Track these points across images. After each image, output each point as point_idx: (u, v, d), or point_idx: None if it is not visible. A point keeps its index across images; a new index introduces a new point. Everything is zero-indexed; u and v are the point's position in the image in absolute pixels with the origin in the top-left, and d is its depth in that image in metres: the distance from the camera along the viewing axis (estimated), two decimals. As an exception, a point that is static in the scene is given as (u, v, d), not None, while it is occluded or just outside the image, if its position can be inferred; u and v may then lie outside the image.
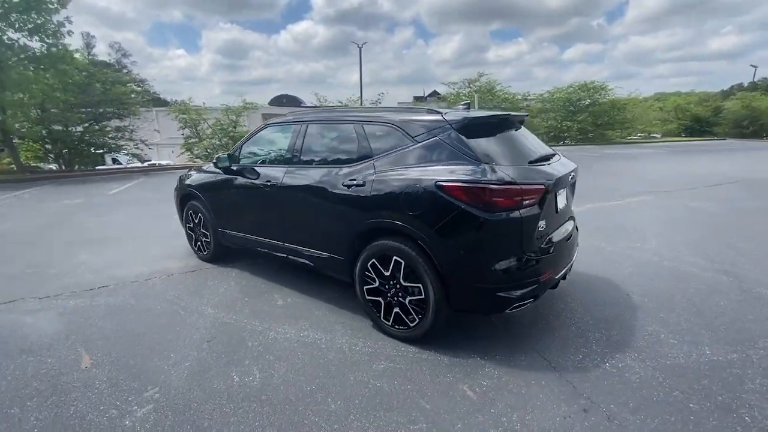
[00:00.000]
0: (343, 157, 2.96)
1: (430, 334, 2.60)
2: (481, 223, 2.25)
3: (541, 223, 2.41)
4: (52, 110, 16.25)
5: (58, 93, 15.21)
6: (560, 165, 2.84)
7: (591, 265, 4.10)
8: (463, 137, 2.46)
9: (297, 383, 2.29)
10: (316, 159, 3.16)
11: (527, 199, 2.30)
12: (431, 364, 2.44)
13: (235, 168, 3.78)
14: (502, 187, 2.24)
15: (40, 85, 14.20)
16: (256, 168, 3.57)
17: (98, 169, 17.90)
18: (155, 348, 2.71)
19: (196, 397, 2.19)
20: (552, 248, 2.55)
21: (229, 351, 2.65)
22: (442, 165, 2.42)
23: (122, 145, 19.62)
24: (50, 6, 14.27)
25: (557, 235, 2.67)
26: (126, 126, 18.94)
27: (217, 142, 18.95)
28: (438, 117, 2.60)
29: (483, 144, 2.49)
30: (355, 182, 2.73)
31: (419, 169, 2.49)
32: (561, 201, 2.73)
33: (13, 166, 16.06)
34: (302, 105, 28.01)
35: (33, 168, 17.23)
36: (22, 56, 14.27)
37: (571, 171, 2.91)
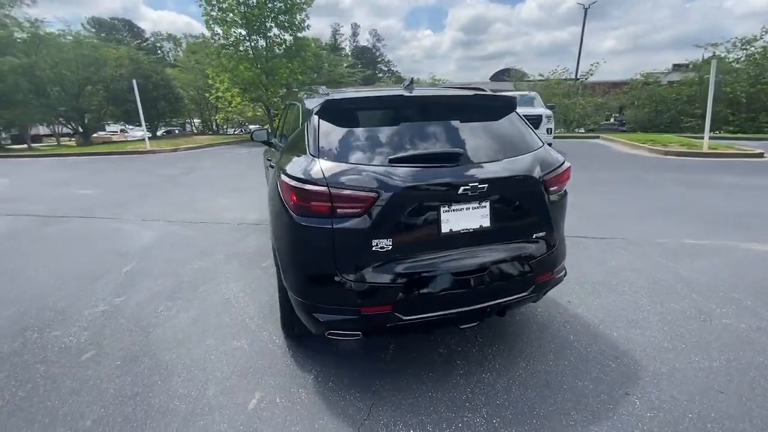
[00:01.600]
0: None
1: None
2: (291, 226, 1.99)
3: (383, 242, 1.90)
4: (294, 89, 21.87)
5: (299, 76, 20.31)
6: (472, 170, 2.02)
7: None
8: (323, 123, 2.12)
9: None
10: None
11: (345, 207, 1.86)
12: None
13: None
14: (305, 187, 1.89)
15: (286, 70, 19.38)
16: None
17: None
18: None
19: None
20: (401, 278, 1.94)
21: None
22: (296, 155, 2.18)
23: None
24: (303, 6, 18.98)
25: (436, 266, 2.00)
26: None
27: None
28: (309, 100, 2.47)
29: (341, 133, 2.10)
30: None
31: (285, 157, 2.35)
32: (454, 221, 1.98)
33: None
34: (524, 79, 25.22)
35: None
36: (278, 50, 19.71)
37: (493, 180, 2.00)
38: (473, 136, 2.24)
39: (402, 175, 1.93)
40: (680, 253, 3.96)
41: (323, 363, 2.41)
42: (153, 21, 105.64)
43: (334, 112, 2.14)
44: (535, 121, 10.69)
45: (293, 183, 1.94)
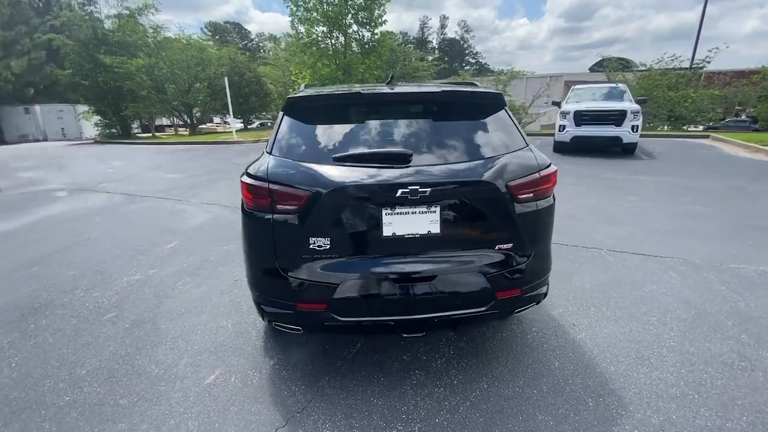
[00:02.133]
0: None
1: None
2: (242, 220, 2.07)
3: (320, 241, 1.90)
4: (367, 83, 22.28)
5: (375, 71, 20.69)
6: (419, 173, 1.88)
7: None
8: (287, 120, 2.15)
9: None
10: None
11: (282, 204, 1.89)
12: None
13: None
14: (248, 181, 1.97)
15: (362, 66, 19.86)
16: None
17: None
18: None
19: (188, 256, 3.80)
20: (338, 284, 1.91)
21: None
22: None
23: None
24: (381, 1, 19.27)
25: (375, 271, 1.93)
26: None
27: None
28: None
29: (301, 131, 2.12)
30: None
31: None
32: (397, 225, 1.89)
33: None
34: (633, 69, 21.65)
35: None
36: (356, 46, 20.27)
37: (432, 184, 1.85)
38: (439, 135, 2.09)
39: (339, 174, 1.89)
40: (754, 284, 3.22)
41: (288, 352, 2.49)
42: (260, 23, 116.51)
43: (297, 110, 2.17)
44: (617, 117, 9.48)
45: (242, 178, 2.03)
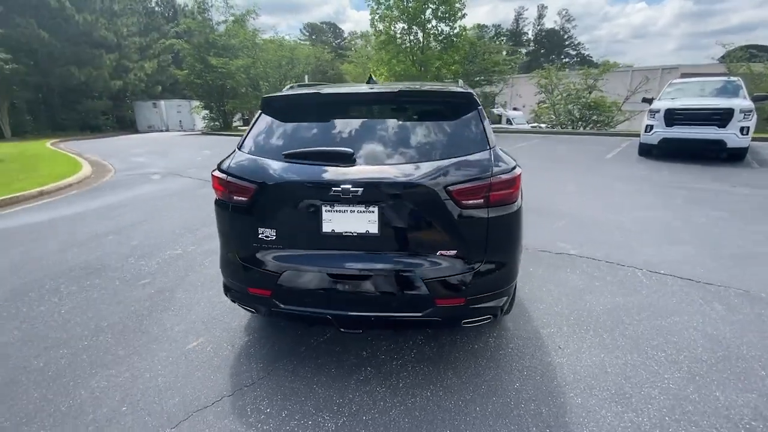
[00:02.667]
0: None
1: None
2: (214, 206, 2.24)
3: (267, 232, 2.03)
4: (446, 80, 21.88)
5: (453, 66, 20.27)
6: (356, 172, 1.92)
7: None
8: (262, 117, 2.28)
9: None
10: None
11: (236, 195, 2.06)
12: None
13: None
14: (216, 174, 2.16)
15: (437, 62, 19.61)
16: None
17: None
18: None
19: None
20: (281, 272, 2.02)
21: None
22: None
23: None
24: (460, -6, 18.80)
25: (313, 263, 2.03)
26: (491, 92, 22.34)
27: (562, 108, 18.81)
28: None
29: (270, 128, 2.23)
30: None
31: None
32: (337, 222, 1.94)
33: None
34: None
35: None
36: (434, 42, 20.04)
37: (370, 182, 1.88)
38: (391, 136, 2.08)
39: (285, 170, 2.00)
40: (828, 331, 2.55)
41: (264, 331, 2.70)
42: (355, 21, 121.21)
43: (270, 109, 2.31)
44: (721, 117, 7.98)
45: (212, 171, 2.25)
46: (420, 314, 1.94)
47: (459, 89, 2.26)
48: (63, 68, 24.86)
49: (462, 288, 1.96)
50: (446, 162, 1.92)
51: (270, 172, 2.01)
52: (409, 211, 1.92)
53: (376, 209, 1.89)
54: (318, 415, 1.97)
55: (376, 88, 2.29)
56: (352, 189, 1.85)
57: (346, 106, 2.28)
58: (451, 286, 1.94)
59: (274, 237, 2.03)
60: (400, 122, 2.12)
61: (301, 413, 1.98)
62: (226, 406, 2.04)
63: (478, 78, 21.31)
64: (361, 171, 1.91)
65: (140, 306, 3.09)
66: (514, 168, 2.00)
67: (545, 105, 20.52)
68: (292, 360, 2.40)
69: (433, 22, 19.58)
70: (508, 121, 22.95)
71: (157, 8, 41.21)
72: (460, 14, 18.85)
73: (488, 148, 2.02)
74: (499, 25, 71.02)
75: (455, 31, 19.50)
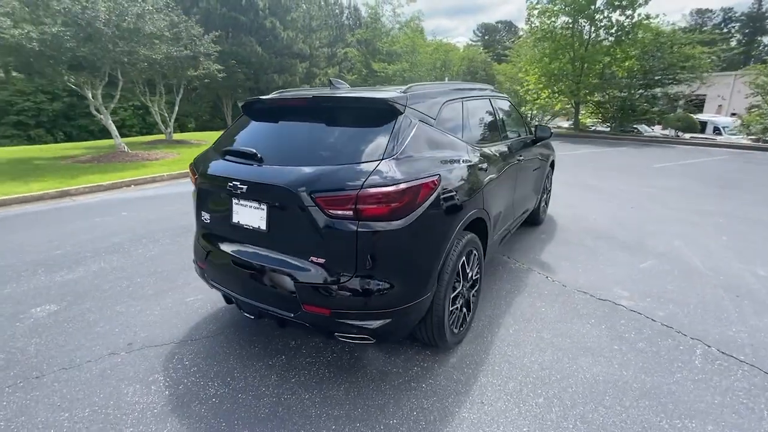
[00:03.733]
0: None
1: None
2: None
3: (205, 215, 2.36)
4: (616, 79, 18.41)
5: (625, 62, 17.05)
6: (251, 171, 2.06)
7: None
8: (242, 118, 2.53)
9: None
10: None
11: (193, 183, 2.45)
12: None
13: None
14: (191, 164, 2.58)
15: (604, 59, 16.79)
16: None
17: (646, 137, 17.46)
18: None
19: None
20: (209, 251, 2.35)
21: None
22: None
23: (656, 113, 18.52)
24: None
25: (223, 248, 2.25)
26: (677, 93, 17.75)
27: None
28: None
29: (239, 127, 2.48)
30: None
31: None
32: (241, 215, 2.11)
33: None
34: None
35: (585, 128, 21.09)
36: (605, 35, 17.18)
37: (254, 183, 2.00)
38: (303, 139, 2.15)
39: (214, 163, 2.31)
40: None
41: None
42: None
43: (245, 111, 2.60)
44: None
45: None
46: (292, 315, 1.97)
47: (380, 96, 2.12)
48: (268, 75, 31.69)
49: (327, 299, 1.89)
50: (322, 168, 1.88)
51: (207, 165, 2.36)
52: (287, 214, 1.95)
53: (265, 207, 2.01)
54: (211, 385, 2.22)
55: (299, 94, 2.38)
56: (239, 185, 2.02)
57: (278, 110, 2.42)
58: (316, 294, 1.89)
59: (209, 220, 2.36)
60: (318, 125, 2.15)
61: (215, 386, 2.24)
62: (166, 350, 2.51)
63: (659, 76, 17.33)
64: (256, 170, 2.05)
65: (161, 269, 3.93)
66: (400, 183, 1.81)
67: (757, 112, 15.23)
68: (232, 332, 2.70)
69: (605, 12, 16.85)
70: (716, 130, 17.83)
71: (346, 21, 47.88)
72: (641, 0, 15.66)
73: (382, 158, 1.87)
74: (730, 9, 54.82)
75: (633, 20, 16.30)
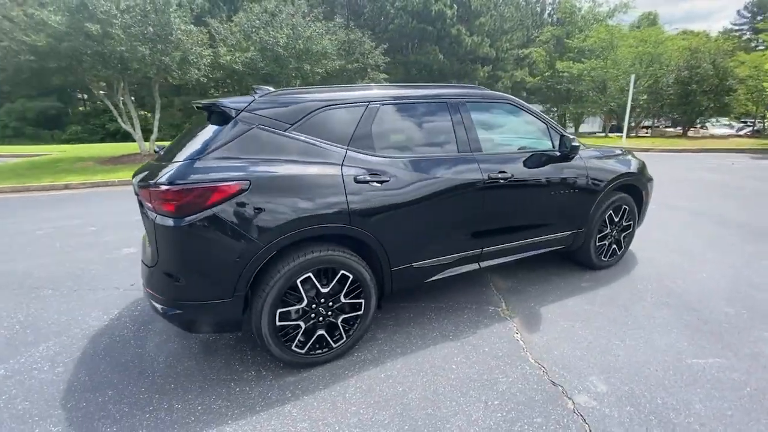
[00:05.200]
0: None
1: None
2: None
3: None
4: None
5: None
6: (153, 169, 2.11)
7: None
8: None
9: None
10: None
11: None
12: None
13: None
14: None
15: None
16: None
17: None
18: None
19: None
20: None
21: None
22: None
23: None
24: None
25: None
26: None
27: None
28: None
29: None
30: None
31: None
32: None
33: None
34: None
35: None
36: None
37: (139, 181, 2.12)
38: (189, 139, 2.24)
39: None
40: None
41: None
42: None
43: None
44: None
45: None
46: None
47: (223, 101, 2.12)
48: (445, 81, 32.74)
49: (148, 281, 2.14)
50: (163, 163, 2.09)
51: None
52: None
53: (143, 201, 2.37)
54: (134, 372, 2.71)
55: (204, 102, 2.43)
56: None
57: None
58: (147, 277, 2.18)
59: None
60: (200, 128, 2.25)
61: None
62: (121, 292, 3.19)
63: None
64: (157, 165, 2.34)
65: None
66: (174, 182, 1.88)
67: None
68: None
69: None
70: None
71: (548, 19, 43.87)
72: None
73: (187, 158, 1.99)
74: None
75: None
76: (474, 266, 2.80)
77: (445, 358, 2.31)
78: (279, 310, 2.07)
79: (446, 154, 2.61)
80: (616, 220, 3.48)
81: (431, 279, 2.65)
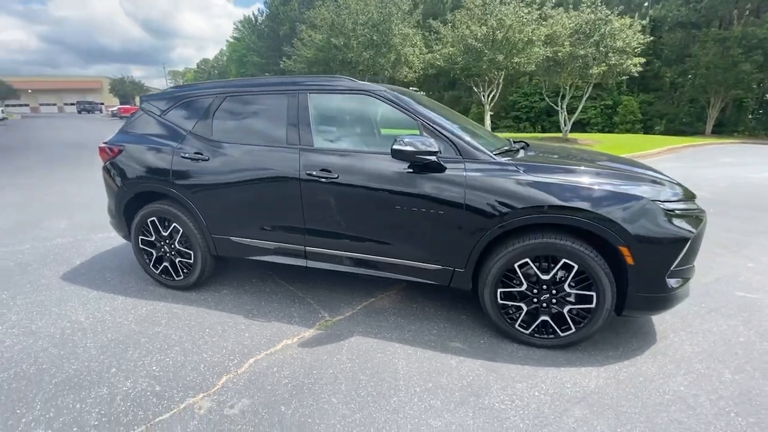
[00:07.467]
0: None
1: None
2: None
3: None
4: None
5: None
6: None
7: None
8: None
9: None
10: None
11: None
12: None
13: None
14: None
15: None
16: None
17: None
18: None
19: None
20: None
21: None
22: None
23: None
24: None
25: None
26: None
27: None
28: None
29: None
30: None
31: None
32: None
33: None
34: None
35: None
36: None
37: None
38: None
39: None
40: None
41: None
42: None
43: None
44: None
45: None
46: None
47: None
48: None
49: None
50: None
51: None
52: None
53: None
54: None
55: None
56: None
57: None
58: None
59: None
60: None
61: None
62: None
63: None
64: None
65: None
66: (104, 144, 3.22)
67: None
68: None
69: None
70: None
71: None
72: None
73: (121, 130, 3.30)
74: None
75: None
76: (302, 261, 2.76)
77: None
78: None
79: (269, 144, 2.71)
80: (544, 278, 2.24)
81: (253, 258, 2.89)
